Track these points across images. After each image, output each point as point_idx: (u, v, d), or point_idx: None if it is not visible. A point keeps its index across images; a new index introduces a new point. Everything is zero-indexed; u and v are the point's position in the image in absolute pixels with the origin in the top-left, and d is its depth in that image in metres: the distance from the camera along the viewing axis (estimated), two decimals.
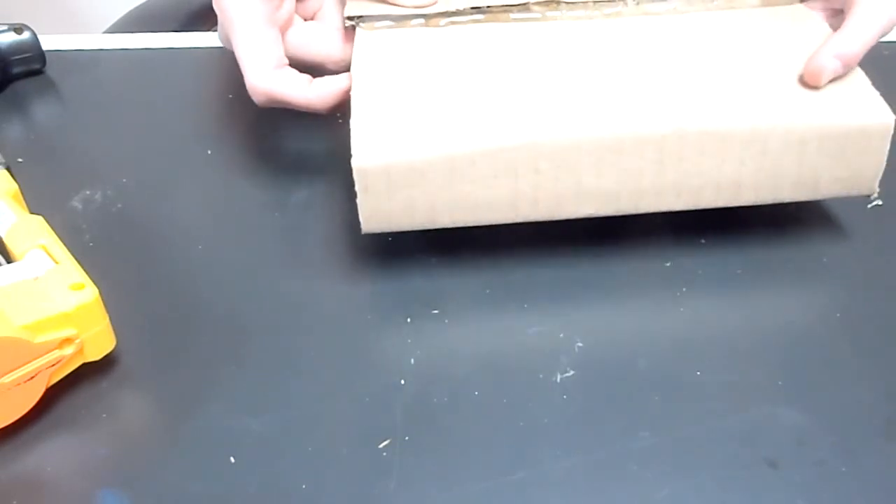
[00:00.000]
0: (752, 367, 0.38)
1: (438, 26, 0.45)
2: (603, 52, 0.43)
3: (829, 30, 0.44)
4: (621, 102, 0.40)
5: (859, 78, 0.42)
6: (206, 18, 0.84)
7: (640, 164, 0.40)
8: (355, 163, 0.39)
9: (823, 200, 0.46)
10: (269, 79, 0.44)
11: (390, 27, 0.45)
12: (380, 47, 0.44)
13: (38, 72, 0.58)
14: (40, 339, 0.35)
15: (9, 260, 0.39)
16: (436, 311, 0.41)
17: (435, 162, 0.39)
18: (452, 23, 0.45)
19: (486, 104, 0.41)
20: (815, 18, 0.45)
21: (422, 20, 0.45)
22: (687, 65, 0.42)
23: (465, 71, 0.42)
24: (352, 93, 0.41)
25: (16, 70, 0.57)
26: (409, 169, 0.39)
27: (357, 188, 0.39)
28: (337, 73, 0.45)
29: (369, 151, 0.39)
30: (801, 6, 0.46)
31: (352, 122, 0.40)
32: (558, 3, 0.45)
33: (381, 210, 0.40)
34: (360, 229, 0.41)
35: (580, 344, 0.39)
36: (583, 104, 0.40)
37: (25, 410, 0.36)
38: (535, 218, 0.41)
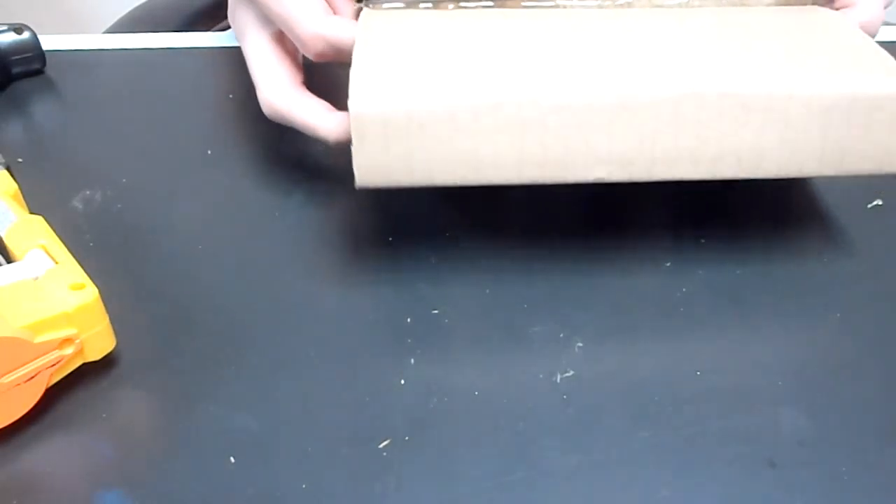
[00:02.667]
0: (752, 368, 0.38)
1: (447, 10, 0.44)
2: (617, 28, 0.42)
3: (846, 21, 0.43)
4: (636, 65, 0.39)
5: (882, 52, 0.41)
6: (205, 19, 0.84)
7: (655, 126, 0.38)
8: (352, 109, 0.37)
9: (823, 200, 0.46)
10: (285, 98, 0.43)
11: (398, 9, 0.44)
12: (385, 18, 0.43)
13: (39, 72, 0.58)
14: (40, 339, 0.35)
15: (9, 260, 0.39)
16: (436, 311, 0.41)
17: (436, 112, 0.38)
18: (460, 7, 0.44)
19: (494, 62, 0.39)
20: (831, 12, 0.44)
21: (430, 4, 0.44)
22: (703, 39, 0.41)
23: (473, 36, 0.41)
24: (354, 48, 0.40)
25: (16, 70, 0.57)
26: (408, 118, 0.38)
27: (353, 136, 0.38)
28: None
29: (368, 98, 0.37)
30: (814, 6, 0.45)
31: (352, 70, 0.39)
32: None
33: (377, 162, 0.38)
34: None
35: (580, 344, 0.39)
36: (596, 64, 0.39)
37: (25, 410, 0.36)
38: (541, 180, 0.40)
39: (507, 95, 0.38)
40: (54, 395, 0.37)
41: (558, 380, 0.38)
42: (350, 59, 0.41)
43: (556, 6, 0.44)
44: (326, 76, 0.47)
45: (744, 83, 0.38)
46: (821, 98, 0.39)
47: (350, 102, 0.37)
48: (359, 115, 0.37)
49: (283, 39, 0.45)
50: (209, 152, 0.51)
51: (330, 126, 0.43)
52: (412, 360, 0.39)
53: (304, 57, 0.46)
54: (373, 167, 0.38)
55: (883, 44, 0.44)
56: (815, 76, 0.39)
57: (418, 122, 0.38)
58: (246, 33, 0.46)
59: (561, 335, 0.40)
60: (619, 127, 0.38)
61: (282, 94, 0.43)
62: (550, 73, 0.39)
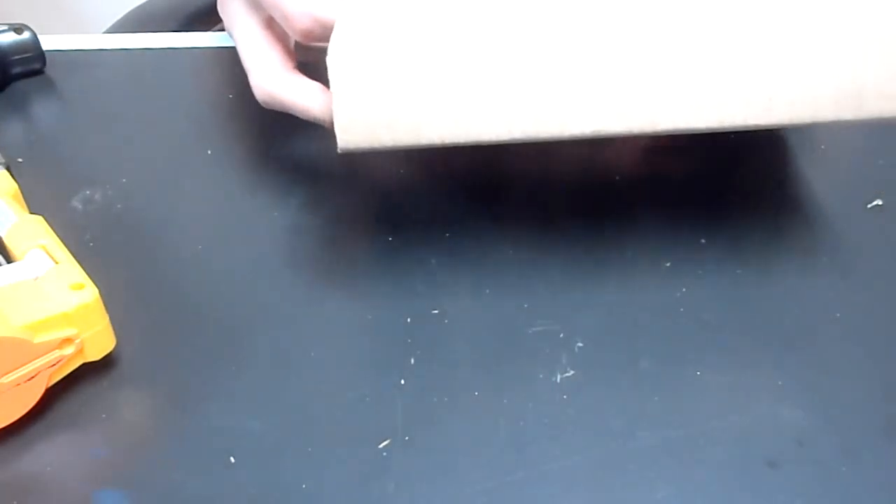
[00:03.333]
0: (752, 367, 0.38)
1: None
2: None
3: None
4: (636, 12, 0.36)
5: None
6: (205, 18, 0.84)
7: (655, 70, 0.35)
8: (331, 59, 0.35)
9: (823, 200, 0.46)
10: (277, 81, 0.42)
11: None
12: None
13: (38, 72, 0.58)
14: (40, 339, 0.35)
15: (9, 260, 0.39)
16: (436, 311, 0.41)
17: (422, 60, 0.35)
18: None
19: (490, 17, 0.37)
20: None
21: None
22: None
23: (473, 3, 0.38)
24: (339, 11, 0.38)
25: (16, 70, 0.57)
26: (390, 71, 0.35)
27: (332, 89, 0.35)
28: None
29: (347, 51, 0.35)
30: None
31: (336, 22, 0.36)
32: None
33: (359, 121, 0.36)
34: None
35: (580, 344, 0.39)
36: (592, 16, 0.36)
37: (25, 410, 0.36)
38: (533, 135, 0.37)
39: (494, 44, 0.36)
40: (54, 395, 0.37)
41: (558, 380, 0.38)
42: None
43: None
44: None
45: (748, 17, 0.36)
46: (836, 31, 0.36)
47: (329, 53, 0.35)
48: (337, 68, 0.35)
49: (272, 25, 0.45)
50: (209, 152, 0.51)
51: (325, 105, 0.41)
52: (412, 360, 0.39)
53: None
54: (355, 126, 0.36)
55: None
56: (830, 6, 0.36)
57: (400, 75, 0.36)
58: (235, 22, 0.46)
59: (561, 335, 0.40)
60: (617, 72, 0.36)
61: (274, 77, 0.43)
62: (540, 24, 0.36)
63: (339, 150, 0.37)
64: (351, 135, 0.36)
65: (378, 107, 0.36)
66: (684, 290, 0.42)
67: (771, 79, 0.36)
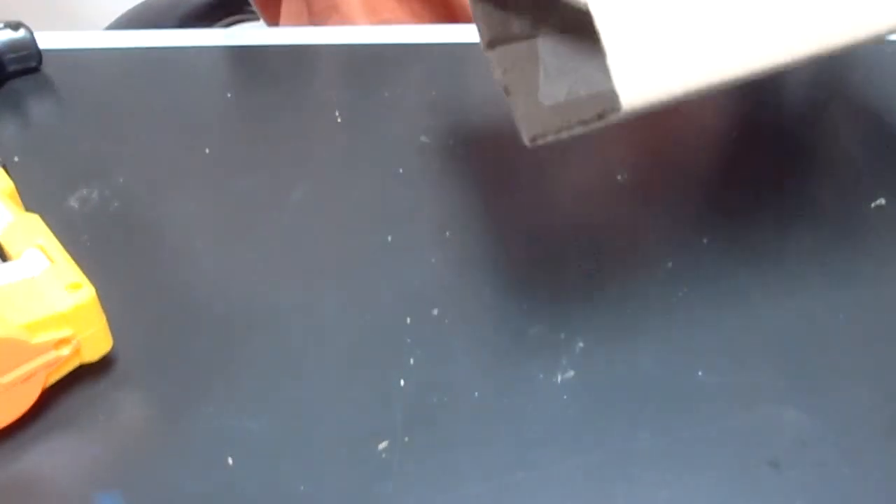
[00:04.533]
0: (753, 368, 0.38)
1: None
2: None
3: None
4: None
5: None
6: (204, 17, 0.84)
7: None
8: (597, 11, 0.32)
9: (825, 200, 0.46)
10: None
11: None
12: None
13: (35, 70, 0.58)
14: (37, 339, 0.35)
15: (5, 259, 0.39)
16: (436, 311, 0.41)
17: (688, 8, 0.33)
18: None
19: None
20: None
21: None
22: None
23: None
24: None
25: (12, 68, 0.57)
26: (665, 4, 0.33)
27: (605, 43, 0.32)
28: None
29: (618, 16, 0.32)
30: None
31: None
32: None
33: (642, 69, 0.33)
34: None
35: (580, 344, 0.39)
36: None
37: (23, 412, 0.36)
38: (807, 51, 0.35)
39: None
40: (52, 397, 0.37)
41: (558, 380, 0.38)
42: None
43: None
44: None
45: None
46: None
47: (593, 8, 0.32)
48: (607, 20, 0.32)
49: None
50: (207, 151, 0.51)
51: None
52: (412, 361, 0.39)
53: None
54: (638, 81, 0.33)
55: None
56: None
57: (676, 9, 0.33)
58: None
59: (561, 335, 0.39)
60: None
61: None
62: None
63: (622, 111, 0.33)
64: (635, 91, 0.33)
65: (662, 50, 0.33)
66: (685, 290, 0.41)
67: None
